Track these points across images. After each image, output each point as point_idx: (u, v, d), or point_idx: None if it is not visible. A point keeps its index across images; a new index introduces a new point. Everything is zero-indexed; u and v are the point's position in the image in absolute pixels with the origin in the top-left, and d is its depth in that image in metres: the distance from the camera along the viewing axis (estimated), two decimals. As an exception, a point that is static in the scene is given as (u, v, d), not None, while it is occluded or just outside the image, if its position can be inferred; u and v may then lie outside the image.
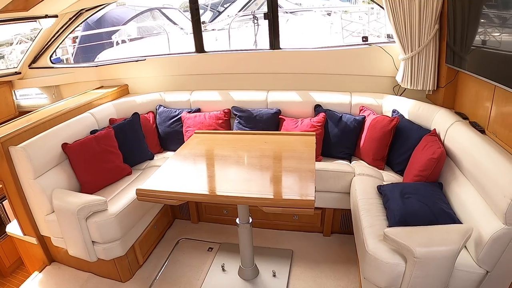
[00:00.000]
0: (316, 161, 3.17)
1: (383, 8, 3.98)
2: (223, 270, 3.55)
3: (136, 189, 2.74)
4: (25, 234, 4.05)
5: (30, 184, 3.56)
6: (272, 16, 4.45)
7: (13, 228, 4.22)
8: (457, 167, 3.07)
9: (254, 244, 3.36)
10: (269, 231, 4.06)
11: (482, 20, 2.99)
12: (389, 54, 4.29)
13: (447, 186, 3.08)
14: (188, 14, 10.64)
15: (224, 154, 3.34)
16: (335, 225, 3.98)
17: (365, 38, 4.61)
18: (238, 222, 3.19)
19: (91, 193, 3.57)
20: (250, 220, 3.18)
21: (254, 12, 7.27)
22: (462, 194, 2.84)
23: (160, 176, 2.95)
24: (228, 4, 10.01)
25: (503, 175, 2.42)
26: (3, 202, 5.30)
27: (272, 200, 2.48)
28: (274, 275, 3.44)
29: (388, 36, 8.15)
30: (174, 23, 9.46)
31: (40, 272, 4.08)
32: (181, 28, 9.20)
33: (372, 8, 9.69)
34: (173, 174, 3.02)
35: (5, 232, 5.15)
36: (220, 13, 9.92)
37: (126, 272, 3.65)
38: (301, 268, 3.58)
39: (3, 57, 9.04)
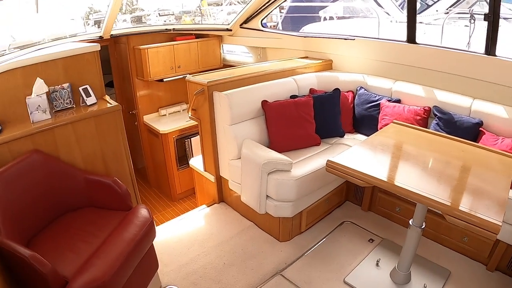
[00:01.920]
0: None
1: None
2: (377, 265, 3.46)
3: (328, 160, 2.82)
4: (205, 171, 4.49)
5: (225, 129, 3.91)
6: (492, 18, 4.07)
7: (195, 163, 4.71)
8: None
9: (415, 251, 3.23)
10: (433, 243, 3.81)
11: None
12: None
13: None
14: (397, 2, 10.34)
15: (418, 150, 3.21)
16: (503, 262, 3.55)
17: None
18: (410, 223, 3.05)
19: (278, 152, 3.73)
20: (423, 225, 3.04)
21: (472, 10, 6.72)
22: None
23: (351, 154, 2.98)
24: (438, -1, 9.48)
25: None
26: (191, 139, 5.91)
27: (458, 212, 2.33)
28: (424, 289, 3.27)
29: None
30: (382, 8, 9.28)
31: (208, 206, 4.52)
32: (388, 14, 8.99)
33: None
34: (364, 156, 3.02)
35: (187, 163, 5.79)
36: (429, 6, 9.45)
37: (286, 234, 3.80)
38: (453, 294, 3.33)
39: (211, 15, 9.90)
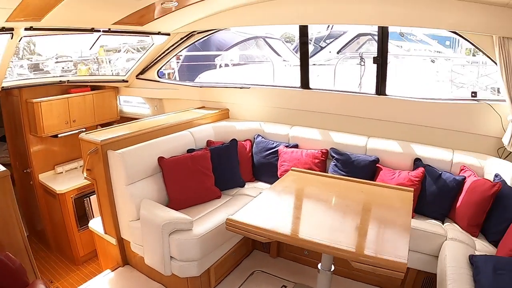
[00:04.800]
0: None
1: (496, 63, 3.80)
2: (295, 309, 3.45)
3: (227, 219, 2.77)
4: (106, 233, 4.25)
5: (121, 190, 3.74)
6: (381, 61, 4.39)
7: (95, 224, 4.47)
8: None
9: (329, 290, 3.23)
10: (346, 280, 3.86)
11: None
12: (497, 113, 4.06)
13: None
14: (290, 45, 10.79)
15: (318, 197, 3.26)
16: (415, 287, 3.76)
17: (474, 94, 4.40)
18: (319, 268, 3.06)
19: (178, 209, 3.64)
20: (332, 268, 3.05)
21: (361, 54, 7.28)
22: None
23: (251, 209, 2.95)
24: (331, 40, 10.03)
25: None
26: (90, 197, 5.60)
27: (363, 257, 2.38)
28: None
29: (493, 89, 7.81)
30: (278, 54, 9.62)
31: (112, 271, 4.25)
32: (284, 60, 9.37)
33: (474, 62, 9.32)
34: (264, 209, 3.00)
35: (87, 224, 5.45)
36: (322, 48, 9.97)
37: (197, 292, 3.65)
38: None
39: (109, 62, 9.72)
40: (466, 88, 8.19)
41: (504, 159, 4.01)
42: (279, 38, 10.36)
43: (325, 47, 10.11)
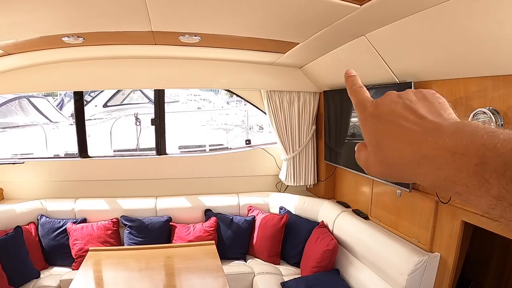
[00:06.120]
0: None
1: (265, 113, 4.34)
2: None
3: None
4: None
5: None
6: (159, 122, 4.53)
7: None
8: (350, 253, 3.41)
9: None
10: None
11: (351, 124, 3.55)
12: (271, 155, 4.66)
13: (344, 271, 3.39)
14: (52, 100, 9.98)
15: (126, 274, 3.11)
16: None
17: (248, 141, 4.96)
18: None
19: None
20: None
21: (137, 114, 7.28)
22: (360, 277, 3.17)
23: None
24: (96, 94, 9.68)
25: (395, 255, 2.82)
26: None
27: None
28: None
29: (259, 127, 8.82)
30: (45, 116, 8.77)
31: None
32: (51, 122, 8.61)
33: (238, 101, 10.33)
34: None
35: None
36: (87, 102, 9.55)
37: None
38: None
39: None
40: (239, 136, 9.06)
41: (283, 192, 4.60)
42: (39, 95, 9.49)
43: (90, 101, 9.74)
